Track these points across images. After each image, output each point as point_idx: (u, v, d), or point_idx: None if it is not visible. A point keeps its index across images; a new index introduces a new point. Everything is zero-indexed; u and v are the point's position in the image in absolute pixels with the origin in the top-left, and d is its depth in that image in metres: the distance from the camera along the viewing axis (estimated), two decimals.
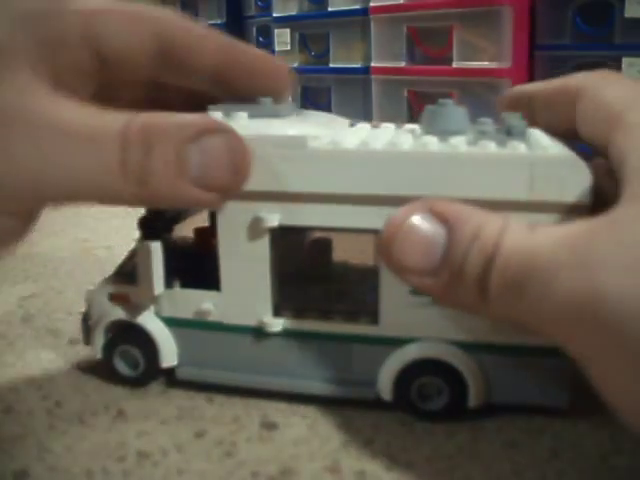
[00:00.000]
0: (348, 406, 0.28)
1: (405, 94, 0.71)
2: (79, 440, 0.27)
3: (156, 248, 0.28)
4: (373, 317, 0.27)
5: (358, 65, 0.76)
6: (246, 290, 0.27)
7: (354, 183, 0.25)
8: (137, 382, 0.30)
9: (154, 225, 0.29)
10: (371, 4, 0.72)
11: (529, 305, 0.19)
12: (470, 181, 0.23)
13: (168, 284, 0.29)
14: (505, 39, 0.61)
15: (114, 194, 0.21)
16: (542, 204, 0.23)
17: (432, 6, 0.66)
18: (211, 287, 0.28)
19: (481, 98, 0.64)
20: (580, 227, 0.19)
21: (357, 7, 0.75)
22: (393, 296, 0.26)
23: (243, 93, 0.27)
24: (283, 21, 0.86)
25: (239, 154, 0.22)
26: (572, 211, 0.23)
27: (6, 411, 0.29)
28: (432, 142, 0.24)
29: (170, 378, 0.30)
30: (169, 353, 0.29)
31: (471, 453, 0.25)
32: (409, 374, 0.26)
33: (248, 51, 0.27)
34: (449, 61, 0.65)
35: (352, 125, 0.30)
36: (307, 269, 0.30)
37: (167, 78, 0.27)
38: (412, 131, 0.27)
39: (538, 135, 0.25)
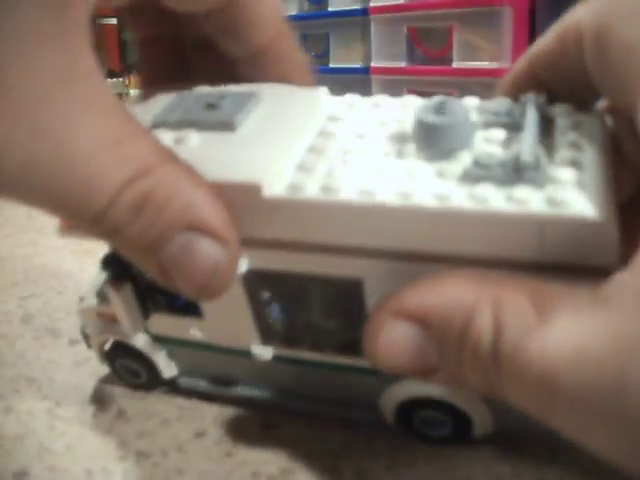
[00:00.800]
0: None
1: (405, 94, 0.71)
2: (79, 440, 0.27)
3: (125, 291, 0.26)
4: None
5: (358, 65, 0.76)
6: (229, 322, 0.25)
7: (320, 233, 0.21)
8: (143, 388, 0.30)
9: (121, 264, 0.26)
10: (371, 4, 0.72)
11: (557, 418, 0.16)
12: (462, 237, 0.19)
13: (153, 309, 0.27)
14: (505, 39, 0.61)
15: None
16: (554, 265, 0.18)
17: (432, 6, 0.66)
18: (196, 313, 0.26)
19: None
20: (602, 339, 0.15)
21: (357, 7, 0.75)
22: None
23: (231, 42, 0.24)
24: None
25: None
26: (591, 273, 0.18)
27: (6, 411, 0.29)
28: (419, 184, 0.19)
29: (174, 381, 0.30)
30: (166, 366, 0.29)
31: (471, 453, 0.25)
32: (409, 408, 0.25)
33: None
34: (449, 61, 0.65)
35: (335, 96, 0.26)
36: (301, 298, 0.25)
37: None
38: (404, 143, 0.21)
39: (561, 158, 0.19)
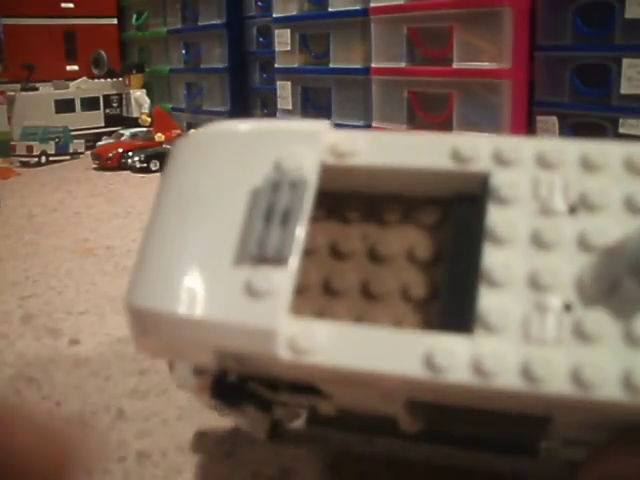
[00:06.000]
0: None
1: (405, 95, 0.71)
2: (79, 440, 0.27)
3: (247, 412, 0.22)
4: None
5: (358, 66, 0.76)
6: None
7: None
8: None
9: (232, 388, 0.20)
10: (371, 5, 0.72)
11: None
12: None
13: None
14: (505, 40, 0.61)
15: None
16: None
17: (432, 7, 0.66)
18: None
19: (481, 99, 0.64)
20: None
21: (357, 8, 0.75)
22: None
23: None
24: (283, 21, 0.86)
25: None
26: None
27: None
28: None
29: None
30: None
31: (471, 453, 0.25)
32: None
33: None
34: (449, 62, 0.65)
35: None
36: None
37: None
38: (612, 266, 0.14)
39: None
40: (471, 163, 0.17)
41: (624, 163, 0.16)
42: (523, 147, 0.16)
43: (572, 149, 0.16)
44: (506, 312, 0.14)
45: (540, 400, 0.14)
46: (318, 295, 0.18)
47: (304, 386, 0.18)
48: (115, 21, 1.28)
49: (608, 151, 0.16)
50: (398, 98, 0.72)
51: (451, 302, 0.16)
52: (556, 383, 0.14)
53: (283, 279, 0.16)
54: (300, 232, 0.16)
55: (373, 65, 0.74)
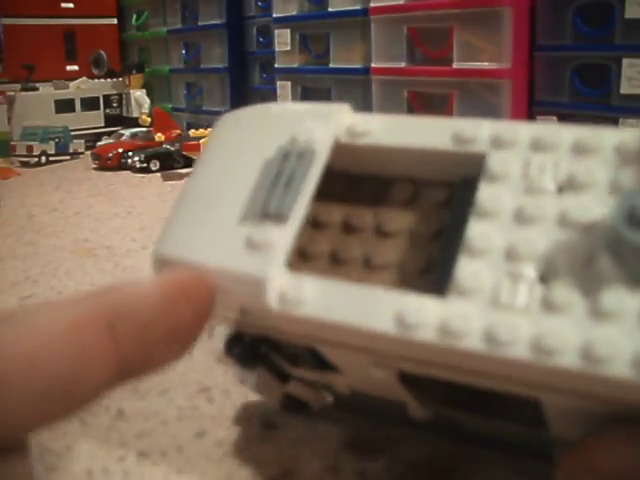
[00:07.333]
0: None
1: (405, 95, 0.71)
2: (79, 440, 0.27)
3: (259, 374, 0.24)
4: None
5: (358, 66, 0.76)
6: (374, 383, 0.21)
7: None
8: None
9: (246, 346, 0.22)
10: (371, 5, 0.72)
11: None
12: None
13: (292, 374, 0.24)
14: (505, 40, 0.61)
15: None
16: None
17: (432, 7, 0.66)
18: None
19: (481, 99, 0.64)
20: None
21: (357, 8, 0.75)
22: None
23: None
24: (283, 21, 0.86)
25: None
26: None
27: None
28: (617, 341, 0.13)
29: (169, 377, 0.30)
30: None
31: (471, 453, 0.25)
32: None
33: None
34: (449, 62, 0.66)
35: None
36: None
37: None
38: (590, 242, 0.15)
39: None
40: (470, 145, 0.18)
41: (616, 147, 0.16)
42: (520, 131, 0.17)
43: (567, 133, 0.17)
44: (479, 278, 0.15)
45: (501, 365, 0.14)
46: (325, 263, 0.19)
47: (311, 355, 0.19)
48: (115, 21, 1.28)
49: (601, 136, 0.16)
50: (398, 98, 0.72)
51: (440, 273, 0.17)
52: (517, 348, 0.14)
53: (281, 235, 0.17)
54: (303, 194, 0.18)
55: (373, 65, 0.74)
